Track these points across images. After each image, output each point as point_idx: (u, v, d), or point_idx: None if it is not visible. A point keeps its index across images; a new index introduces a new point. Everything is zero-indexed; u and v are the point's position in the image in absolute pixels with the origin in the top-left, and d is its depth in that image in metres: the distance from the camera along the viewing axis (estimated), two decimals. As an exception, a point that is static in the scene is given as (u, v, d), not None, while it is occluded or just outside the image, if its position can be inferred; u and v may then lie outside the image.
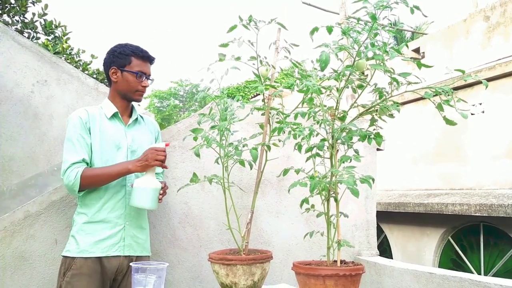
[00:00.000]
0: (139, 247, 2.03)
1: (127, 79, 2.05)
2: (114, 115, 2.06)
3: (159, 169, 2.12)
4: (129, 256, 1.98)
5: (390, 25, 1.79)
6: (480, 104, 6.21)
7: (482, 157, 6.20)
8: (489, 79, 5.74)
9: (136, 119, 2.15)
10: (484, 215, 5.43)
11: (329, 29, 1.73)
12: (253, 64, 2.09)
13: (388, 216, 6.99)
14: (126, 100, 2.10)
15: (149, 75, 2.11)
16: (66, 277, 1.87)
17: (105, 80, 4.98)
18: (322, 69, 1.69)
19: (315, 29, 1.76)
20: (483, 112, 6.20)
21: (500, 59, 6.42)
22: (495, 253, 6.01)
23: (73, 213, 2.06)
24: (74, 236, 1.93)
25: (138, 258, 2.01)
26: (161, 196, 2.00)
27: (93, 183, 1.92)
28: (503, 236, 5.87)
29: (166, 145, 2.01)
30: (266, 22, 2.04)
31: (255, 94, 15.31)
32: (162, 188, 2.01)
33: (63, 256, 1.93)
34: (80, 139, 1.94)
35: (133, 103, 2.15)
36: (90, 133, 1.97)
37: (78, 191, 1.91)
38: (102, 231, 1.93)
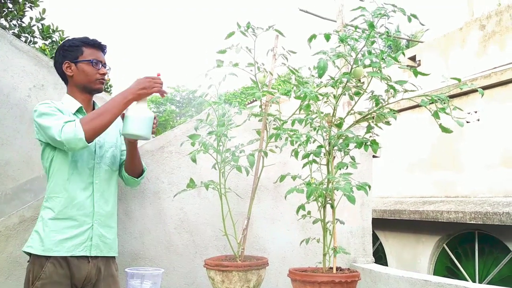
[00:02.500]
0: (106, 247, 1.93)
1: (83, 70, 1.95)
2: (78, 110, 1.96)
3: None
4: (96, 261, 1.89)
5: (387, 33, 1.81)
6: (476, 112, 6.24)
7: (477, 165, 6.23)
8: (485, 88, 5.78)
9: None
10: (479, 223, 5.44)
11: (327, 37, 1.75)
12: (251, 70, 2.10)
13: (383, 223, 7.00)
14: (86, 92, 2.00)
15: (105, 63, 2.03)
16: (36, 287, 1.76)
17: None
18: (320, 76, 1.71)
19: (313, 36, 1.77)
20: (478, 120, 6.23)
21: (495, 68, 6.47)
22: (490, 261, 6.02)
23: None
24: (39, 232, 1.82)
25: (106, 262, 1.93)
26: (154, 125, 1.93)
27: (96, 126, 1.76)
28: (497, 244, 5.88)
29: (158, 74, 1.92)
30: (264, 29, 2.06)
31: (251, 100, 15.33)
32: (155, 117, 1.94)
33: (26, 252, 1.83)
34: (59, 112, 1.82)
35: (94, 99, 2.07)
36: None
37: (87, 141, 1.74)
38: (69, 229, 1.82)
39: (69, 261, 1.81)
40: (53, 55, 4.31)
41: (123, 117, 1.90)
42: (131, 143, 2.01)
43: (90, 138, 1.75)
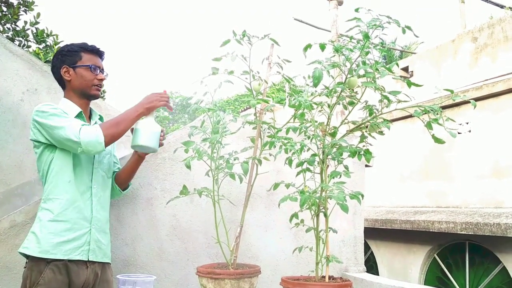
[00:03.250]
0: (101, 253, 1.93)
1: (81, 75, 1.96)
2: (79, 115, 1.95)
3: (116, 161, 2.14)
4: (94, 266, 1.88)
5: (381, 44, 1.82)
6: (467, 123, 6.30)
7: (468, 175, 6.27)
8: (476, 99, 5.83)
9: (96, 121, 2.06)
10: (469, 233, 5.47)
11: (322, 46, 1.76)
12: (246, 78, 2.10)
13: (375, 233, 7.01)
14: (84, 98, 2.00)
15: (102, 69, 2.04)
16: None
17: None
18: (315, 85, 1.72)
19: (308, 45, 1.78)
20: (469, 131, 6.28)
21: (487, 80, 6.54)
22: (480, 271, 6.04)
23: None
24: (35, 233, 1.79)
25: (102, 267, 1.93)
26: (162, 139, 2.03)
27: (115, 132, 1.84)
28: (488, 255, 5.91)
29: (164, 91, 2.04)
30: (259, 37, 2.07)
31: (245, 108, 15.36)
32: (162, 130, 2.03)
33: (22, 254, 1.81)
34: (69, 116, 1.84)
35: (91, 105, 2.08)
36: None
37: (104, 146, 1.80)
38: (67, 232, 1.81)
39: (68, 267, 1.80)
40: (48, 59, 4.30)
41: (131, 130, 1.98)
42: (140, 156, 2.08)
43: (107, 143, 1.82)
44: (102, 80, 2.02)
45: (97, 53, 2.03)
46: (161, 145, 2.03)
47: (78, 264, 1.83)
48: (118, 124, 1.87)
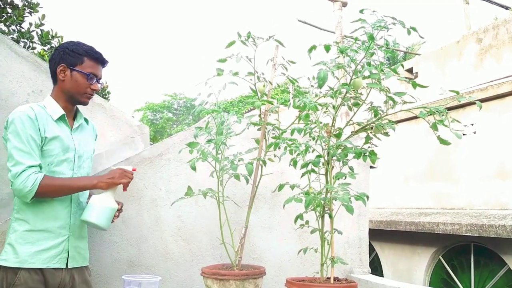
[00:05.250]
0: (81, 258, 1.92)
1: (76, 80, 1.90)
2: (61, 118, 1.90)
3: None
4: (70, 268, 1.86)
5: (386, 45, 1.82)
6: (472, 124, 6.27)
7: (473, 177, 6.25)
8: (481, 100, 5.79)
9: (81, 123, 2.02)
10: (475, 235, 5.44)
11: (327, 48, 1.76)
12: (251, 79, 2.11)
13: (379, 234, 6.99)
14: (71, 102, 1.95)
15: (100, 78, 1.99)
16: None
17: (100, 91, 5.00)
18: (320, 87, 1.72)
19: (313, 47, 1.78)
20: (474, 132, 6.26)
21: (492, 81, 6.51)
22: (486, 273, 6.01)
23: None
24: (12, 244, 1.76)
25: (79, 270, 1.91)
26: (115, 217, 1.93)
27: (50, 193, 1.77)
28: (493, 257, 5.88)
29: (133, 170, 1.95)
30: (264, 38, 2.07)
31: (249, 109, 15.37)
32: (118, 209, 1.94)
33: (0, 266, 1.77)
34: (31, 141, 1.76)
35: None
36: (40, 135, 1.80)
37: (31, 198, 1.73)
38: (44, 241, 1.78)
39: (45, 273, 1.78)
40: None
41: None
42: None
43: (38, 197, 1.74)
44: (95, 90, 1.96)
45: (101, 62, 1.99)
46: (113, 221, 1.94)
47: (54, 268, 1.81)
48: (60, 187, 1.79)
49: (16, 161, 1.73)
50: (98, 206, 1.85)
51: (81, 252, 1.93)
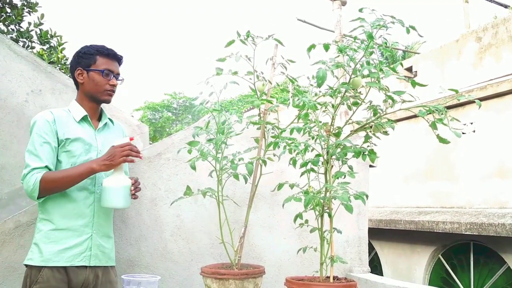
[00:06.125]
0: (104, 257, 1.93)
1: (93, 79, 1.95)
2: (83, 119, 1.96)
3: (126, 168, 2.01)
4: (94, 267, 1.88)
5: (385, 44, 1.82)
6: (471, 123, 6.28)
7: (472, 176, 6.25)
8: (481, 99, 5.80)
9: (106, 123, 2.06)
10: (474, 234, 5.45)
11: (326, 47, 1.76)
12: (250, 78, 2.10)
13: (379, 233, 7.00)
14: (94, 102, 1.99)
15: (118, 74, 2.01)
16: None
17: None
18: (319, 86, 1.72)
19: (312, 46, 1.78)
20: (474, 131, 6.26)
21: (491, 80, 6.51)
22: (485, 272, 6.02)
23: None
24: (38, 244, 1.81)
25: (104, 269, 1.93)
26: (133, 191, 1.91)
27: (54, 188, 1.80)
28: (493, 255, 5.89)
29: (131, 139, 1.90)
30: (263, 38, 2.07)
31: (248, 108, 15.37)
32: (132, 184, 1.92)
33: (26, 265, 1.82)
34: (45, 145, 1.83)
35: (103, 105, 2.06)
36: (57, 137, 1.86)
37: (38, 197, 1.79)
38: (68, 240, 1.82)
39: (68, 272, 1.81)
40: (51, 60, 4.31)
41: None
42: None
43: (42, 196, 1.80)
44: (114, 85, 1.99)
45: (114, 57, 2.01)
46: (135, 197, 1.93)
47: (78, 266, 1.84)
48: (61, 180, 1.80)
49: (25, 163, 1.81)
50: (110, 189, 1.84)
51: (105, 251, 1.94)
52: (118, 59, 2.03)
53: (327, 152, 1.88)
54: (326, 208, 1.85)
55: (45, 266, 1.78)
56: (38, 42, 4.80)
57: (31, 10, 4.77)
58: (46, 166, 1.81)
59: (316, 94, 1.99)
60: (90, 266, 1.87)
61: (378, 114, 1.88)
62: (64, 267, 1.80)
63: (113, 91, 2.01)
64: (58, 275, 1.79)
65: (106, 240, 1.96)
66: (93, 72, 1.95)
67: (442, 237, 6.23)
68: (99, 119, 2.05)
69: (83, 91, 1.98)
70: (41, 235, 1.82)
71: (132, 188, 1.91)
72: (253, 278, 1.90)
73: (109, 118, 2.10)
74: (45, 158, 1.81)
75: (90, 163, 1.84)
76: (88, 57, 1.97)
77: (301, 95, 1.86)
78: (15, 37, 4.62)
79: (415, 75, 8.13)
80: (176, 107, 31.33)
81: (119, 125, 2.18)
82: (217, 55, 2.06)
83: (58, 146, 1.87)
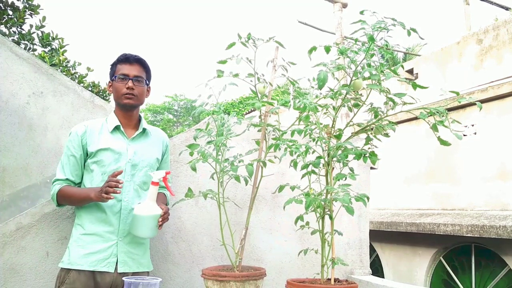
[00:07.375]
0: (134, 263, 1.96)
1: (114, 86, 2.03)
2: (116, 128, 2.02)
3: (161, 183, 2.00)
4: (123, 272, 1.91)
5: (386, 46, 1.82)
6: (472, 125, 6.27)
7: (474, 178, 6.24)
8: (482, 101, 5.81)
9: (143, 132, 2.09)
10: (475, 236, 5.44)
11: (327, 49, 1.76)
12: (251, 81, 2.11)
13: (380, 235, 6.99)
14: (123, 109, 2.04)
15: (136, 76, 2.01)
16: None
17: (100, 93, 5.01)
18: (320, 88, 1.72)
19: (313, 48, 1.78)
20: (475, 133, 6.26)
21: (492, 82, 6.51)
22: (486, 274, 6.01)
23: (66, 226, 2.07)
24: (69, 247, 1.94)
25: (136, 274, 1.92)
26: (160, 222, 1.90)
27: (66, 202, 1.98)
28: (494, 258, 5.88)
29: (167, 173, 1.93)
30: (264, 40, 2.07)
31: (249, 110, 15.37)
32: (162, 215, 1.90)
33: (60, 267, 1.93)
34: (72, 158, 1.97)
35: (141, 115, 2.14)
36: (87, 149, 1.96)
37: (57, 205, 2.01)
38: (93, 244, 1.89)
39: (95, 276, 1.88)
40: (53, 62, 4.32)
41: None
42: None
43: (60, 205, 2.03)
44: (130, 88, 2.00)
45: (127, 60, 2.04)
46: (159, 228, 1.92)
47: (101, 272, 1.90)
48: (70, 197, 1.95)
49: (58, 169, 2.00)
50: (138, 217, 1.87)
51: (135, 257, 1.97)
52: (131, 61, 2.04)
53: (328, 154, 1.88)
54: (327, 210, 1.85)
55: (72, 269, 1.86)
56: (40, 44, 4.81)
57: (33, 12, 4.78)
58: (67, 179, 1.96)
59: (317, 96, 1.99)
60: (119, 273, 1.91)
61: (379, 116, 1.88)
62: (91, 271, 1.87)
63: (132, 94, 2.01)
64: (84, 278, 1.86)
65: (135, 246, 1.98)
66: (113, 80, 2.04)
67: (444, 239, 6.21)
68: (136, 127, 2.09)
69: (114, 100, 2.07)
70: (73, 239, 1.94)
71: (160, 219, 1.91)
72: (254, 280, 1.90)
73: (146, 127, 2.10)
74: (68, 171, 1.97)
75: (89, 191, 1.88)
76: (112, 68, 2.07)
77: (302, 97, 1.86)
78: (16, 40, 4.63)
79: (416, 77, 8.13)
80: (177, 109, 31.35)
81: (159, 134, 2.19)
82: (218, 57, 2.07)
83: (88, 157, 1.98)
